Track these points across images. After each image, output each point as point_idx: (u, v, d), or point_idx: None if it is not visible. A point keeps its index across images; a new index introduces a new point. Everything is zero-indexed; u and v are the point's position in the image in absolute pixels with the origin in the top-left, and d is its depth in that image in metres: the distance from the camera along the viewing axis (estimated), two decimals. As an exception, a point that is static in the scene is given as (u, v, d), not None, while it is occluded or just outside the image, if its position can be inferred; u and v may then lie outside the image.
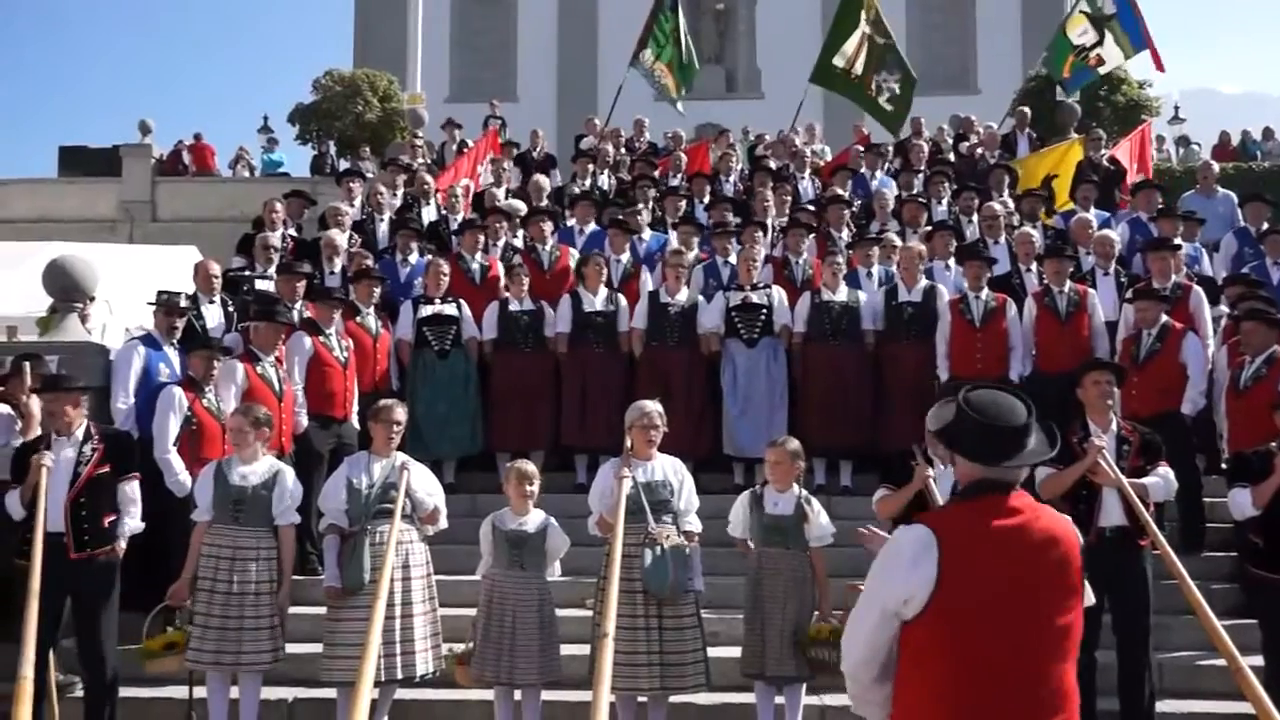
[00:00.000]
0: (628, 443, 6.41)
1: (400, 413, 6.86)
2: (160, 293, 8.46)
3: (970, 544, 3.08)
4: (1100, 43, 16.67)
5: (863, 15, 15.29)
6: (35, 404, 6.99)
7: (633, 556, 6.14)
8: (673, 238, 11.07)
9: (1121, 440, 6.57)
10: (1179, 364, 8.40)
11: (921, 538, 3.10)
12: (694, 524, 6.52)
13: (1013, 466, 3.19)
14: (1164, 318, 8.56)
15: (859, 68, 15.44)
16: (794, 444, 6.67)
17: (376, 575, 6.02)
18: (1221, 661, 4.27)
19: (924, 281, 9.70)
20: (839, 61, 15.35)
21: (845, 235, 11.29)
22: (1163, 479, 6.45)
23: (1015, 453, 3.17)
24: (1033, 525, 3.14)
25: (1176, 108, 27.81)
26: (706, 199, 12.89)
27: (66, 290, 8.95)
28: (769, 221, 11.54)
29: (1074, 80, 17.37)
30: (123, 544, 6.61)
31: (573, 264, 10.49)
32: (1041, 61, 18.14)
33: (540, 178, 13.56)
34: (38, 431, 6.84)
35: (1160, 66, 16.93)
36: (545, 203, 12.71)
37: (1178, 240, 10.26)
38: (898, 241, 10.64)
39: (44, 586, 5.66)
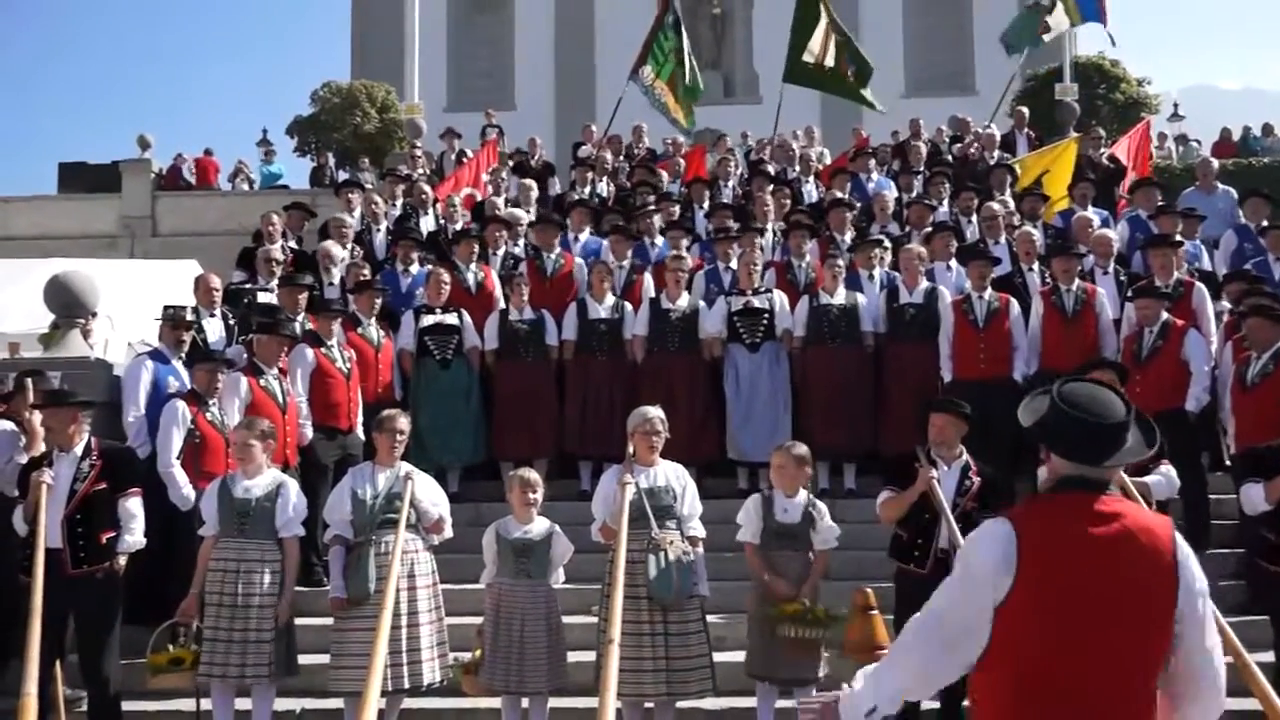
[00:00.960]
0: (630, 449, 6.41)
1: (404, 422, 6.87)
2: (167, 307, 8.49)
3: (1052, 539, 2.92)
4: (1051, 10, 16.90)
5: (822, 10, 15.37)
6: (38, 420, 7.00)
7: (637, 563, 6.15)
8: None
9: (1124, 439, 6.54)
10: (1181, 361, 8.38)
11: (1001, 537, 2.94)
12: (698, 529, 6.53)
13: (1111, 466, 3.02)
14: (1165, 315, 8.55)
15: (830, 60, 15.51)
16: (800, 449, 6.66)
17: (382, 585, 6.03)
18: (1228, 658, 4.26)
19: (925, 283, 9.69)
20: (807, 58, 15.41)
21: (849, 238, 11.29)
22: (1164, 477, 6.45)
23: (1114, 451, 3.00)
24: (1124, 527, 2.94)
25: (1176, 105, 27.80)
26: (706, 205, 12.91)
27: (68, 306, 8.98)
28: (769, 226, 11.54)
29: (1015, 43, 17.62)
30: (122, 560, 6.59)
31: (576, 272, 10.50)
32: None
33: (528, 183, 13.58)
34: (42, 448, 6.85)
35: (1112, 39, 17.23)
36: (534, 208, 12.74)
37: (1178, 237, 10.24)
38: (888, 243, 10.64)
39: (45, 603, 5.67)
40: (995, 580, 2.90)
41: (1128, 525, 2.94)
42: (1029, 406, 3.19)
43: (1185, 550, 2.99)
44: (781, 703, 6.51)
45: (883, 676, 3.08)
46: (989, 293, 9.27)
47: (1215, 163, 14.38)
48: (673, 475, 6.52)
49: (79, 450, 6.55)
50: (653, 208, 12.04)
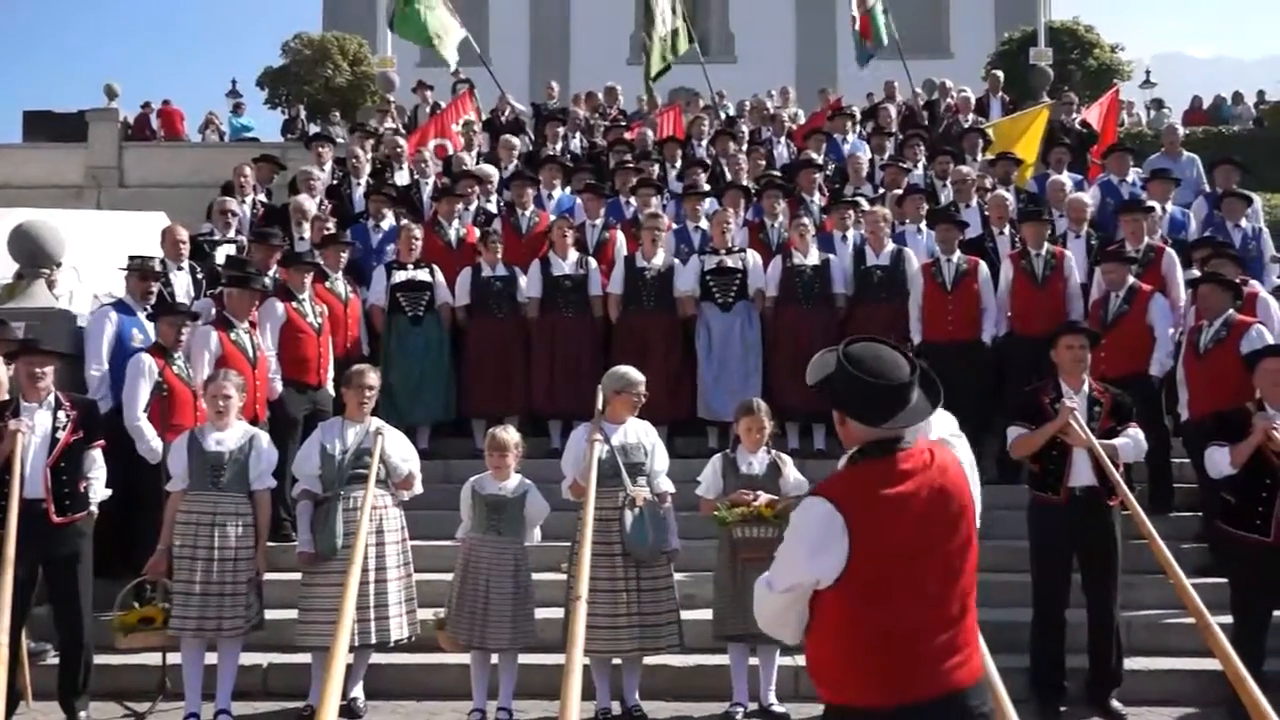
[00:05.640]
0: (599, 406, 6.41)
1: (372, 377, 6.84)
2: (133, 257, 8.38)
3: (874, 511, 3.03)
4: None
5: None
6: (2, 370, 6.92)
7: (610, 520, 6.19)
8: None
9: (1093, 401, 6.62)
10: (1146, 326, 8.43)
11: (828, 518, 3.03)
12: (667, 484, 6.58)
13: (894, 427, 3.11)
14: (1132, 280, 8.58)
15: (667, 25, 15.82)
16: (763, 407, 6.72)
17: (350, 540, 6.03)
18: (1189, 619, 4.32)
19: (890, 245, 9.71)
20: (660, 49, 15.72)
21: (817, 199, 11.28)
22: (1133, 440, 6.51)
23: (897, 411, 3.09)
24: (926, 482, 3.08)
25: (1148, 71, 27.92)
26: (679, 164, 12.85)
27: (33, 256, 8.86)
28: (748, 185, 11.50)
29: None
30: (95, 509, 6.61)
31: (550, 230, 10.48)
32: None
33: (510, 138, 13.49)
34: (4, 397, 6.77)
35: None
36: (516, 163, 12.67)
37: (1152, 203, 10.25)
38: (866, 205, 10.64)
39: (20, 553, 5.64)
40: (822, 563, 3.03)
41: (931, 474, 3.10)
42: (817, 364, 3.23)
43: (970, 465, 3.25)
44: (751, 660, 6.56)
45: None
46: (957, 255, 9.30)
47: (1181, 129, 14.41)
48: (642, 432, 6.56)
49: (51, 400, 6.49)
50: (630, 166, 11.95)
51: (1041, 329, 7.91)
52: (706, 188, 11.40)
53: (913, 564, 3.03)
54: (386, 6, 16.30)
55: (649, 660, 6.52)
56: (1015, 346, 8.90)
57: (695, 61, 16.79)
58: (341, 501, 6.47)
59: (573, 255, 9.73)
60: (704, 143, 14.01)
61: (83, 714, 6.47)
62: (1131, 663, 6.74)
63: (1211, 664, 4.25)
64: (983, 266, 9.32)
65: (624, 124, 15.42)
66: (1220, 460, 6.44)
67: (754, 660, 6.55)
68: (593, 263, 9.79)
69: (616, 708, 6.51)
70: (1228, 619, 6.19)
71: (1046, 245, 9.28)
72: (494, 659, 6.45)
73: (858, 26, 17.45)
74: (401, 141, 13.34)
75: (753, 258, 9.64)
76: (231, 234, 10.30)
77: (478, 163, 12.83)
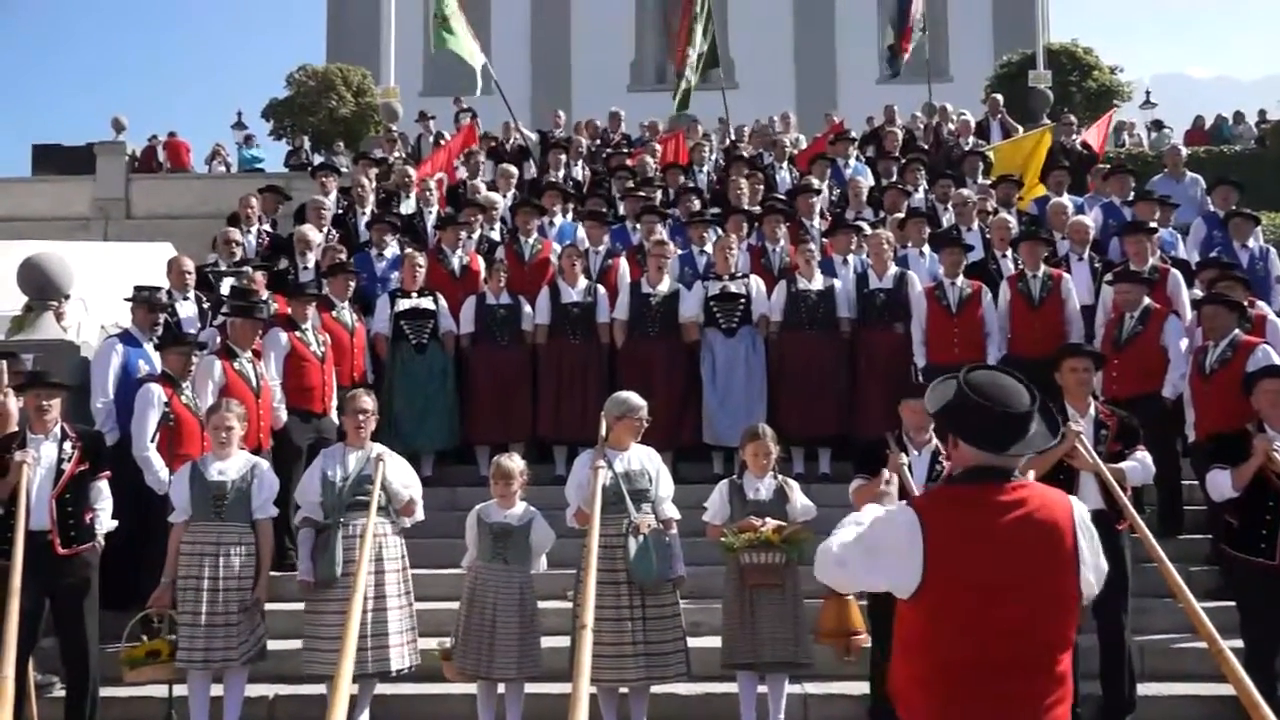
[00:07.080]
0: (602, 432, 6.40)
1: (366, 401, 6.85)
2: (139, 288, 8.40)
3: (960, 534, 2.99)
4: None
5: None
6: (13, 402, 6.92)
7: (615, 547, 6.16)
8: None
9: (1099, 424, 6.60)
10: (1160, 347, 8.39)
11: (908, 527, 3.01)
12: (673, 510, 6.56)
13: (1014, 454, 3.06)
14: (1146, 300, 8.57)
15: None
16: (769, 432, 6.71)
17: (351, 568, 6.00)
18: (1202, 644, 4.28)
19: (894, 269, 9.72)
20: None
21: (817, 224, 11.29)
22: (1140, 463, 6.48)
23: (1017, 440, 3.04)
24: (1027, 514, 3.01)
25: (1148, 92, 27.97)
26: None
27: (41, 288, 8.90)
28: (752, 209, 11.52)
29: None
30: (101, 540, 6.61)
31: (554, 257, 10.49)
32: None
33: (508, 167, 13.53)
34: (14, 429, 6.78)
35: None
36: (514, 192, 12.71)
37: (1152, 224, 10.27)
38: (867, 229, 10.66)
39: (25, 585, 5.63)
40: (902, 560, 3.00)
41: (1031, 512, 3.02)
42: (935, 392, 3.21)
43: (1087, 531, 3.09)
44: (759, 689, 6.52)
45: None
46: (961, 279, 9.30)
47: (1184, 150, 14.43)
48: (646, 458, 6.52)
49: (57, 432, 6.51)
50: (638, 194, 11.98)
51: (1038, 352, 7.89)
52: (715, 211, 11.41)
53: (992, 600, 2.95)
54: (430, 26, 16.67)
55: (656, 689, 6.47)
56: (1012, 369, 8.86)
57: (715, 86, 16.88)
58: (341, 529, 6.47)
59: (581, 283, 9.75)
60: (705, 169, 14.05)
61: (89, 747, 6.44)
62: (1144, 688, 6.69)
63: (1225, 689, 4.21)
64: (986, 290, 9.31)
65: (626, 150, 15.47)
66: (1222, 483, 6.42)
67: (763, 688, 6.52)
68: (601, 290, 9.81)
69: (624, 737, 6.47)
70: (1240, 642, 6.17)
71: (1044, 267, 9.28)
72: (500, 689, 6.41)
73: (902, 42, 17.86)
74: (411, 171, 13.41)
75: (756, 283, 9.65)
76: (233, 264, 10.32)
77: (484, 190, 12.87)
